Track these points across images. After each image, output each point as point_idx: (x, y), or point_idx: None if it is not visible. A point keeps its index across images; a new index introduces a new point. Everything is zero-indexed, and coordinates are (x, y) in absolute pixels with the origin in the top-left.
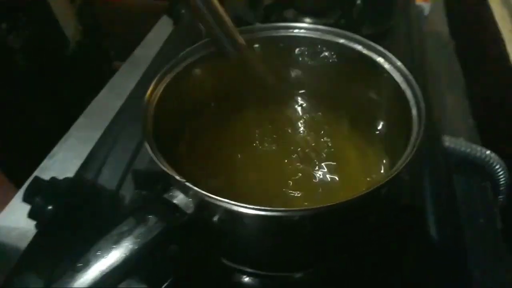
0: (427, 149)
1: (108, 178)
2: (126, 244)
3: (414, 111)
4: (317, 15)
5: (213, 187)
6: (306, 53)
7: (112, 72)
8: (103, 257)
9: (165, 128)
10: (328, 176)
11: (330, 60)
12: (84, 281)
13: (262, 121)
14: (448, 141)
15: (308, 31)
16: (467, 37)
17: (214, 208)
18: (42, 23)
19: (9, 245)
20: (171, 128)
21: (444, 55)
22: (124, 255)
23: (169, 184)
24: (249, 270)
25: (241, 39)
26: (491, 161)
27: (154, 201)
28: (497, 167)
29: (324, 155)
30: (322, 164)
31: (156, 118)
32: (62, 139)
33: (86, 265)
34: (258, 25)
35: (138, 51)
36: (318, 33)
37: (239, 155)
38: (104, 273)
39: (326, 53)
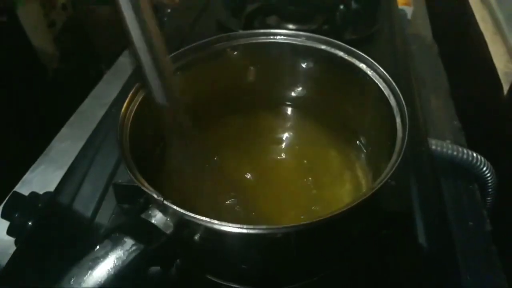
0: (413, 154)
1: (89, 192)
2: (102, 270)
3: (398, 119)
4: (300, 21)
5: (194, 206)
6: (287, 59)
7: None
8: (77, 285)
9: (143, 142)
10: (311, 186)
11: (312, 66)
12: None
13: (243, 130)
14: (434, 144)
15: (289, 38)
16: (450, 40)
17: (195, 226)
18: (15, 49)
19: None
20: (150, 141)
21: (428, 58)
22: (99, 282)
23: (147, 202)
24: (234, 286)
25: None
26: (478, 163)
27: (131, 222)
28: (484, 169)
29: (307, 164)
30: (304, 174)
31: (133, 132)
32: (45, 151)
33: None
34: (240, 32)
35: (122, 59)
36: (300, 39)
37: (223, 169)
38: None
39: (308, 59)
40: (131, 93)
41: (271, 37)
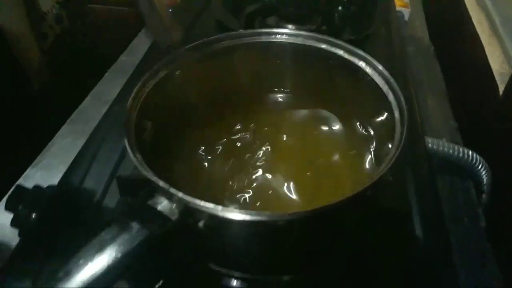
0: (410, 151)
1: (92, 185)
2: (109, 252)
3: (396, 114)
4: (299, 22)
5: (198, 194)
6: (289, 58)
7: None
8: (85, 266)
9: (148, 134)
10: (313, 178)
11: (313, 65)
12: None
13: (247, 124)
14: (431, 143)
15: (290, 37)
16: (447, 41)
17: (199, 213)
18: None
19: None
20: (154, 134)
21: (425, 59)
22: (106, 263)
23: (153, 190)
24: (236, 274)
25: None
26: (474, 161)
27: (138, 208)
28: (479, 166)
29: (308, 159)
30: (306, 166)
31: (138, 125)
32: (46, 147)
33: (67, 275)
34: (241, 31)
35: (122, 58)
36: (300, 38)
37: (225, 161)
38: (85, 283)
39: (309, 58)
40: (137, 86)
41: (273, 36)
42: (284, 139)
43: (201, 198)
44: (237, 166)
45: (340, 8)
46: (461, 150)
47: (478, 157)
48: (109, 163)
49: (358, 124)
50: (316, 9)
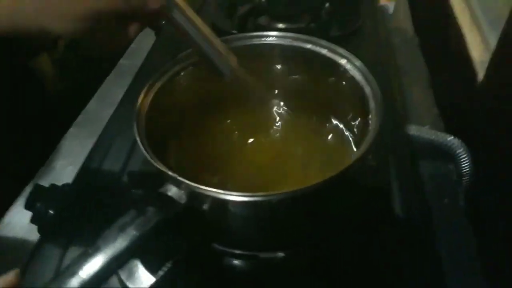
0: (392, 137)
1: (105, 181)
2: (129, 232)
3: (372, 104)
4: (289, 20)
5: (203, 181)
6: (278, 59)
7: None
8: (110, 243)
9: (156, 131)
10: (301, 164)
11: (300, 64)
12: (97, 261)
13: (244, 122)
14: (414, 130)
15: (278, 39)
16: (430, 33)
17: (203, 197)
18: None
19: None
20: (162, 130)
21: (410, 50)
22: (128, 241)
23: (162, 180)
24: (237, 251)
25: (233, 61)
26: (454, 145)
27: (151, 195)
28: (459, 150)
29: (297, 148)
30: (296, 153)
31: (147, 122)
32: (55, 149)
33: (97, 249)
34: (233, 35)
35: (123, 61)
36: (288, 40)
37: (226, 152)
38: (112, 256)
39: (296, 58)
40: (148, 84)
41: (263, 38)
42: (278, 135)
43: (206, 184)
44: (231, 155)
45: (327, 5)
46: (442, 136)
47: (459, 141)
48: (119, 160)
49: (342, 116)
50: (304, 7)
